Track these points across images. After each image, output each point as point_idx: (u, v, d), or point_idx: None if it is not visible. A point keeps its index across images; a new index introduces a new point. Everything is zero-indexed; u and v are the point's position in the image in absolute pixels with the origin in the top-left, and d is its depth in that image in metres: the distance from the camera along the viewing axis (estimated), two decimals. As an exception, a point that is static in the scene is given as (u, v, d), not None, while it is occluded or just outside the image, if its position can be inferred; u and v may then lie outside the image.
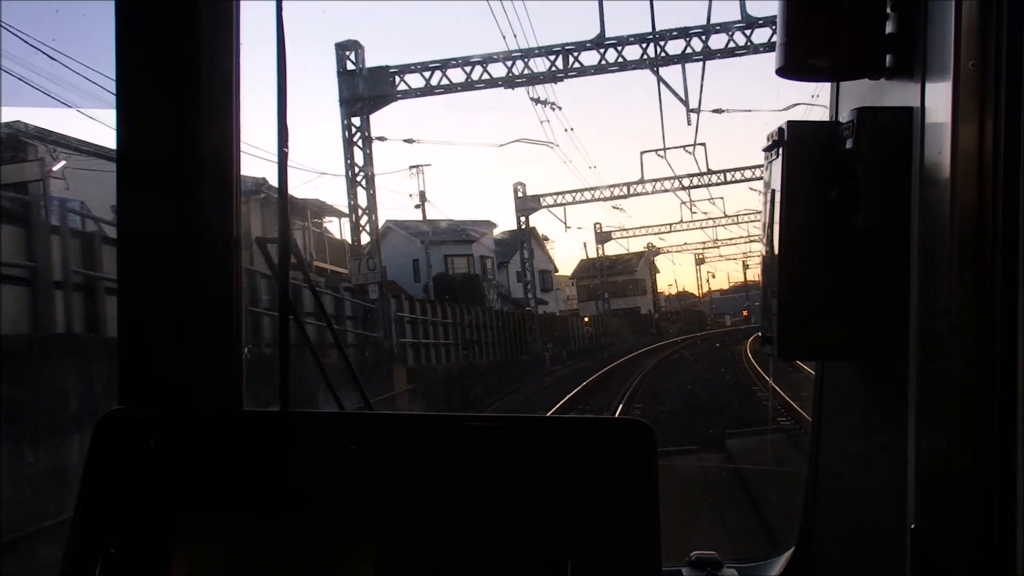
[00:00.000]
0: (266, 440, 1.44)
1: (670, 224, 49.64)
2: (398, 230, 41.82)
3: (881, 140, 1.40)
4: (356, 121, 22.18)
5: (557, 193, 38.93)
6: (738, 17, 21.01)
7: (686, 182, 36.98)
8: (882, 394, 1.52)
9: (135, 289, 1.57)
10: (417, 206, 36.95)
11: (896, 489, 1.34)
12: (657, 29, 21.33)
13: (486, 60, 21.93)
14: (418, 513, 1.35)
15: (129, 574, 1.33)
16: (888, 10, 1.41)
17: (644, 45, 21.44)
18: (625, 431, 1.39)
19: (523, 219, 38.96)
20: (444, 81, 21.96)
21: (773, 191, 1.56)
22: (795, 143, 1.50)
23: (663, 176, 36.49)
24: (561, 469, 1.35)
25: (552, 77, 22.43)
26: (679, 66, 22.18)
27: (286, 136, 1.60)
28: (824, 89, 1.72)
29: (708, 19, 21.23)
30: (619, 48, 21.61)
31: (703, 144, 39.35)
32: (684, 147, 34.86)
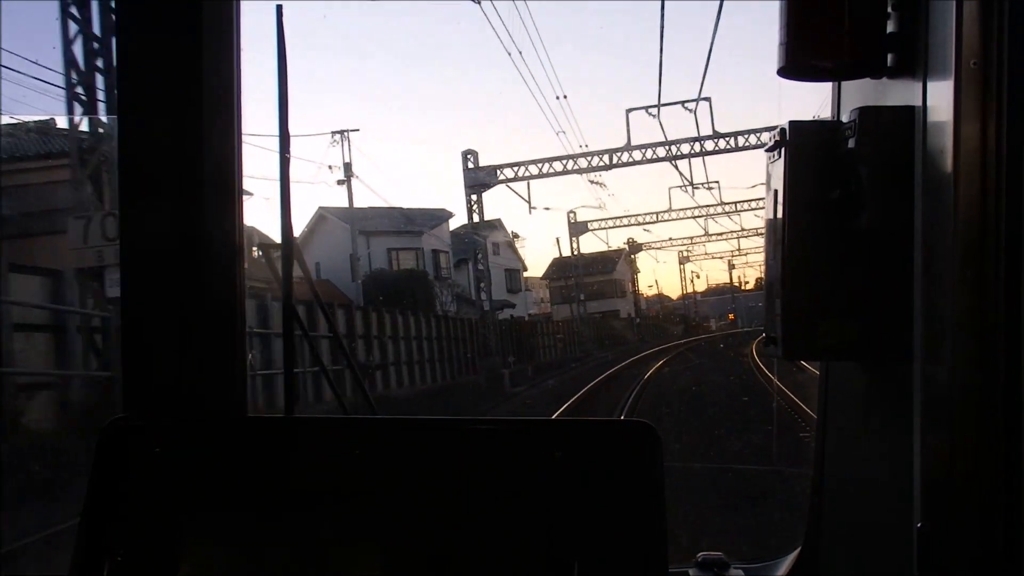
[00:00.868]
0: (270, 445, 1.44)
1: (656, 213, 41.10)
2: (333, 218, 33.89)
3: (883, 139, 1.40)
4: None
5: (518, 164, 28.64)
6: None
7: (684, 148, 27.28)
8: (886, 394, 1.52)
9: (138, 296, 1.57)
10: (340, 182, 28.56)
11: (901, 489, 1.34)
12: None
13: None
14: (423, 518, 1.35)
15: None
16: (889, 9, 1.41)
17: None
18: (630, 433, 1.38)
19: (474, 197, 28.67)
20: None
21: (776, 191, 1.56)
22: (797, 143, 1.50)
23: (654, 141, 27.51)
24: (566, 472, 1.35)
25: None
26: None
27: (288, 141, 1.60)
28: (826, 103, 1.72)
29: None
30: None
31: (708, 99, 31.20)
32: (683, 103, 26.07)
